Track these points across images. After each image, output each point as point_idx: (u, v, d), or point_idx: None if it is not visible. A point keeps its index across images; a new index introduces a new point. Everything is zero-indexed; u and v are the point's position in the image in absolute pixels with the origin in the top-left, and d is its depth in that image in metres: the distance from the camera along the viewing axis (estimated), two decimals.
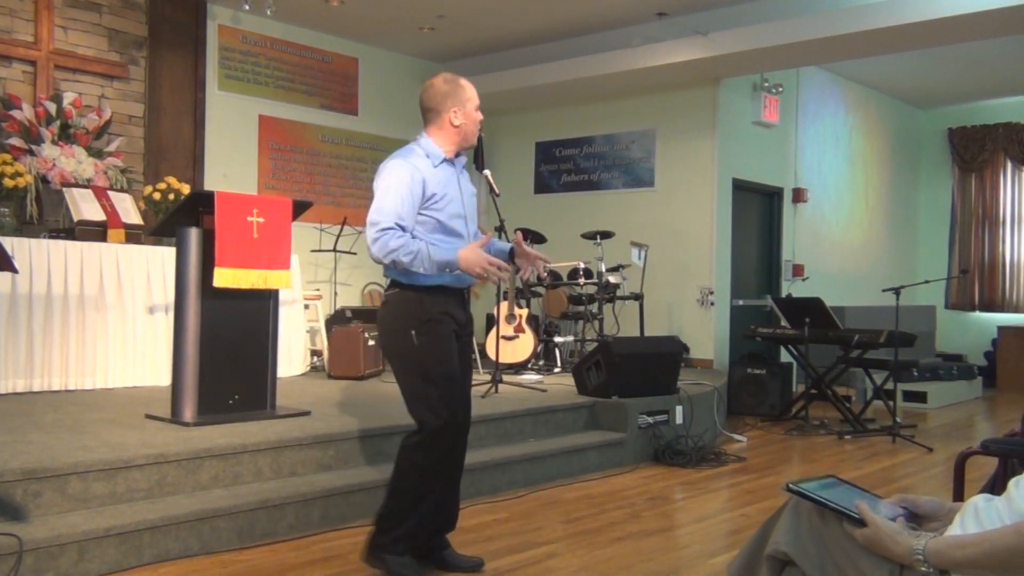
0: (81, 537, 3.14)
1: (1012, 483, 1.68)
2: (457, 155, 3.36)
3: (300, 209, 4.75)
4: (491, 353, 6.38)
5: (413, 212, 3.13)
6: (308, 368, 7.08)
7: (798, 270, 9.36)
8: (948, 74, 9.99)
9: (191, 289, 4.32)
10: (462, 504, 4.23)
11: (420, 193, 3.14)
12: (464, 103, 3.31)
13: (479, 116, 3.37)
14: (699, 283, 8.34)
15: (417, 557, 3.26)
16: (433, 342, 3.16)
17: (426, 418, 3.15)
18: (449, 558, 3.37)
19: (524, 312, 7.15)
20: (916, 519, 1.83)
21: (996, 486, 2.55)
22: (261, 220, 4.45)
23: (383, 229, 3.05)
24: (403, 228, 3.08)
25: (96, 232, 5.88)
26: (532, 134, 9.70)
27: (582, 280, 7.49)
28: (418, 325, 3.14)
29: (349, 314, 7.45)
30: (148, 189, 6.75)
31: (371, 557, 3.24)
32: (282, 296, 5.07)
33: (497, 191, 6.10)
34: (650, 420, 5.61)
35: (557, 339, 7.80)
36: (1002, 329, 10.60)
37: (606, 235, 7.58)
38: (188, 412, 4.32)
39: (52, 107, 6.55)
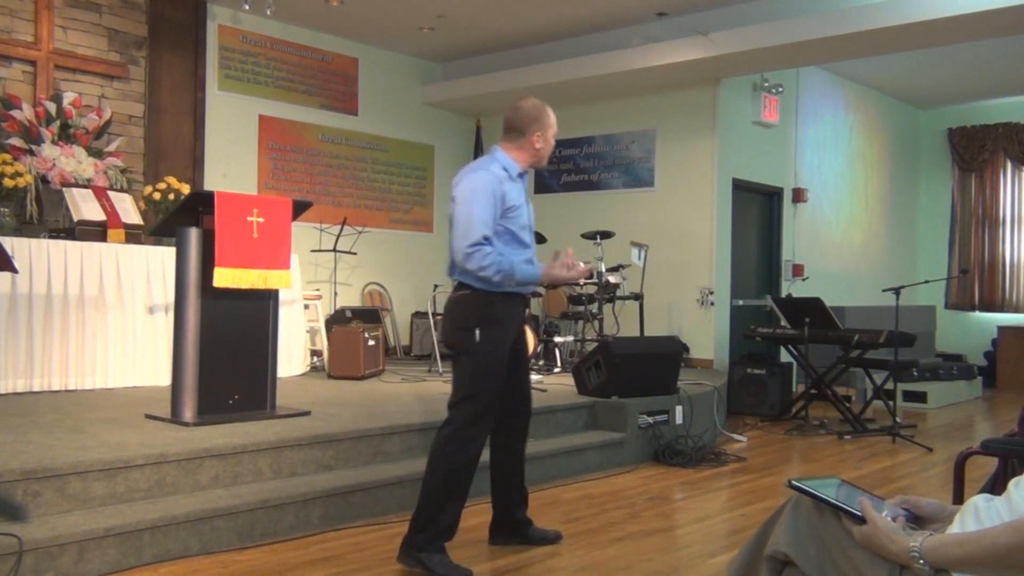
0: (81, 537, 3.14)
1: (1012, 483, 1.68)
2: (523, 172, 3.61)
3: (300, 209, 4.75)
4: None
5: (494, 221, 3.37)
6: (308, 368, 7.08)
7: (798, 270, 9.36)
8: (948, 74, 9.99)
9: (191, 289, 4.33)
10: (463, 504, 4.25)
11: (500, 204, 3.38)
12: (547, 129, 3.57)
13: (554, 142, 3.65)
14: (699, 283, 8.34)
15: (500, 535, 3.63)
16: (492, 341, 3.39)
17: (465, 408, 3.38)
18: (533, 533, 3.71)
19: None
20: (917, 521, 1.83)
21: (996, 486, 2.55)
22: (261, 220, 4.45)
23: (475, 244, 3.29)
24: (489, 240, 3.33)
25: (96, 232, 5.89)
26: None
27: (582, 280, 7.49)
28: (484, 325, 3.37)
29: (349, 314, 7.45)
30: (148, 189, 6.75)
31: (406, 557, 3.34)
32: (282, 296, 5.07)
33: None
34: (650, 420, 5.61)
35: (557, 339, 7.79)
36: (1002, 329, 10.60)
37: (606, 235, 7.58)
38: (188, 412, 4.32)
39: (52, 107, 6.55)
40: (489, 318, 3.38)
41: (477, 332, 3.36)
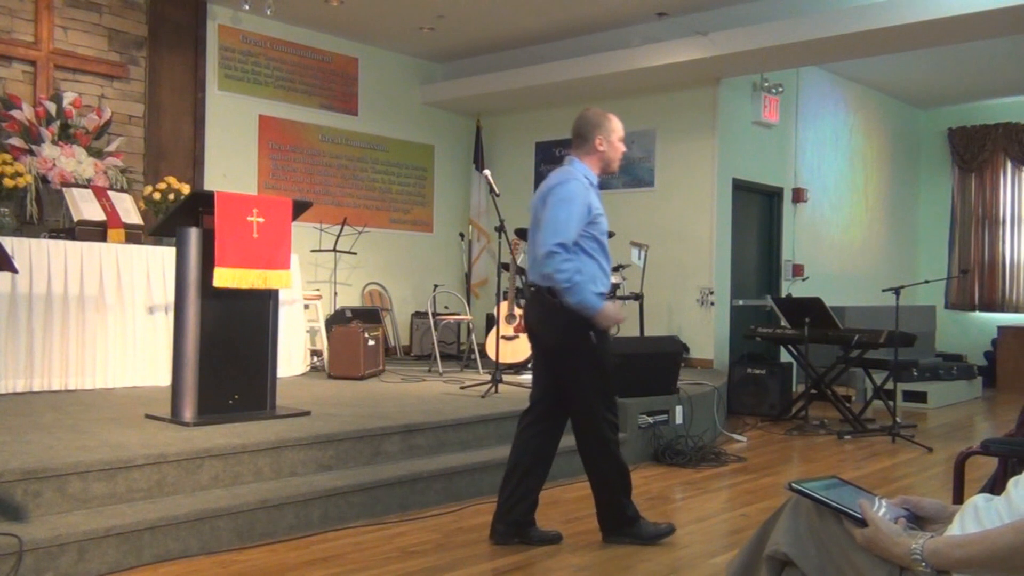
0: (81, 537, 3.14)
1: (1011, 483, 1.68)
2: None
3: (300, 209, 4.75)
4: (491, 353, 6.38)
5: (580, 229, 3.54)
6: (308, 368, 7.08)
7: (798, 270, 9.36)
8: (948, 74, 9.99)
9: (191, 289, 4.33)
10: (463, 503, 4.24)
11: (587, 212, 3.56)
12: (609, 133, 3.73)
13: (622, 147, 3.78)
14: (699, 283, 8.34)
15: (501, 535, 3.72)
16: (606, 341, 3.65)
17: (603, 398, 3.64)
18: (534, 534, 3.78)
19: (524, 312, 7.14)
20: (918, 521, 1.83)
21: (996, 486, 2.55)
22: (261, 220, 4.45)
23: (559, 245, 3.47)
24: (573, 247, 3.50)
25: (96, 232, 5.89)
26: (532, 134, 9.70)
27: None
28: (593, 326, 3.56)
29: (349, 314, 7.45)
30: (148, 189, 6.75)
31: (616, 537, 3.74)
32: (282, 296, 5.07)
33: (497, 191, 6.12)
34: (650, 420, 5.61)
35: None
36: (1002, 329, 10.60)
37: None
38: (188, 412, 4.32)
39: (52, 107, 6.55)
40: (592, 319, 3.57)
41: (592, 334, 3.55)
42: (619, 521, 3.76)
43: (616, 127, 3.74)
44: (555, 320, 3.58)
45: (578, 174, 3.64)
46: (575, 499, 4.55)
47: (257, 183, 8.20)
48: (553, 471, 4.91)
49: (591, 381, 3.63)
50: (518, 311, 7.09)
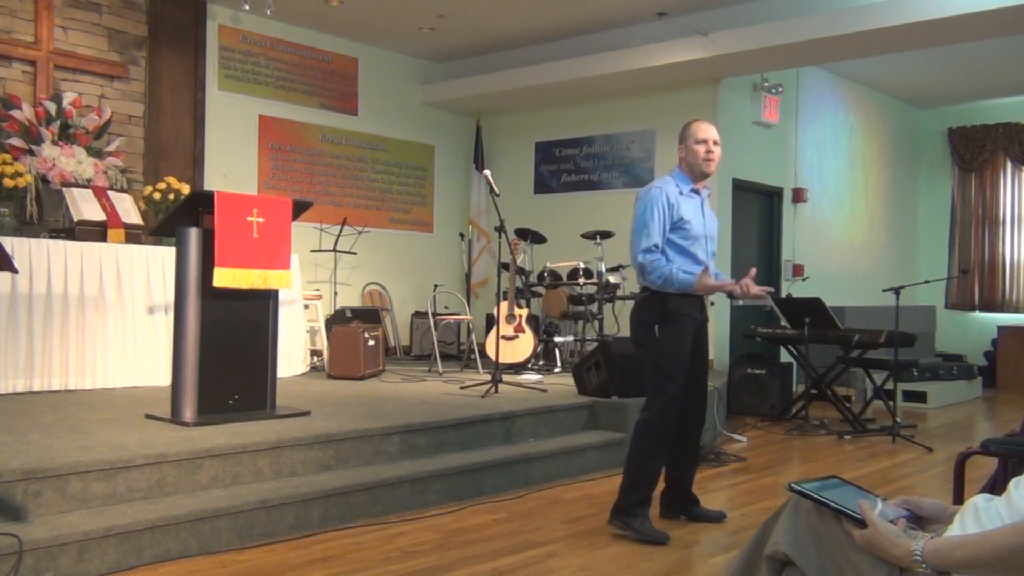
0: (81, 537, 3.14)
1: (1012, 483, 1.67)
2: (703, 187, 4.05)
3: (300, 209, 4.75)
4: (491, 353, 6.38)
5: (664, 231, 3.87)
6: (308, 368, 7.08)
7: (798, 270, 9.36)
8: (948, 74, 9.99)
9: (191, 289, 4.32)
10: (463, 503, 4.22)
11: (669, 214, 3.87)
12: (687, 139, 4.01)
13: (701, 149, 3.96)
14: None
15: (668, 510, 4.12)
16: (671, 335, 3.89)
17: (657, 399, 3.91)
18: (698, 512, 4.13)
19: (524, 312, 7.15)
20: (918, 521, 1.83)
21: (996, 486, 2.55)
22: (261, 220, 4.45)
23: (644, 251, 3.85)
24: (658, 248, 3.85)
25: (96, 232, 5.88)
26: (532, 134, 9.70)
27: (582, 280, 7.49)
28: (661, 321, 3.88)
29: (349, 314, 7.45)
30: (148, 189, 6.75)
31: (615, 520, 3.87)
32: (282, 296, 5.07)
33: (497, 191, 6.12)
34: None
35: (557, 339, 7.79)
36: (1002, 329, 10.60)
37: (606, 235, 7.58)
38: (188, 412, 4.32)
39: (52, 107, 6.55)
40: (664, 315, 3.87)
41: (657, 328, 3.88)
42: (614, 508, 3.94)
43: (694, 131, 3.99)
44: (635, 314, 4.05)
45: (666, 184, 3.96)
46: (575, 499, 4.55)
47: (257, 183, 8.20)
48: (552, 471, 4.95)
49: (654, 374, 4.00)
50: (518, 311, 7.09)
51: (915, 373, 8.50)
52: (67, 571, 3.10)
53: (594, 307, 7.50)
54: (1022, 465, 2.57)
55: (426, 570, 3.37)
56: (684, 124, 4.06)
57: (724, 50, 7.47)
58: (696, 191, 4.01)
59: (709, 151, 3.96)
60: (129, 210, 6.20)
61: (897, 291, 6.59)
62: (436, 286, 9.03)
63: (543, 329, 7.86)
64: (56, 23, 6.97)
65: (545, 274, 7.92)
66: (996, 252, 11.27)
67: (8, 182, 5.91)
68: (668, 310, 3.88)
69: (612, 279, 7.55)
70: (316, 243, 8.30)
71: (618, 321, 7.81)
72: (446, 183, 9.97)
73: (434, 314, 7.72)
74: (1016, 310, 11.06)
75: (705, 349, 4.13)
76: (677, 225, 3.89)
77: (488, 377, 6.01)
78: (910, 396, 8.50)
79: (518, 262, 7.03)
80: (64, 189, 6.11)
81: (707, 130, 4.00)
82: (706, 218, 4.03)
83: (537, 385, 6.26)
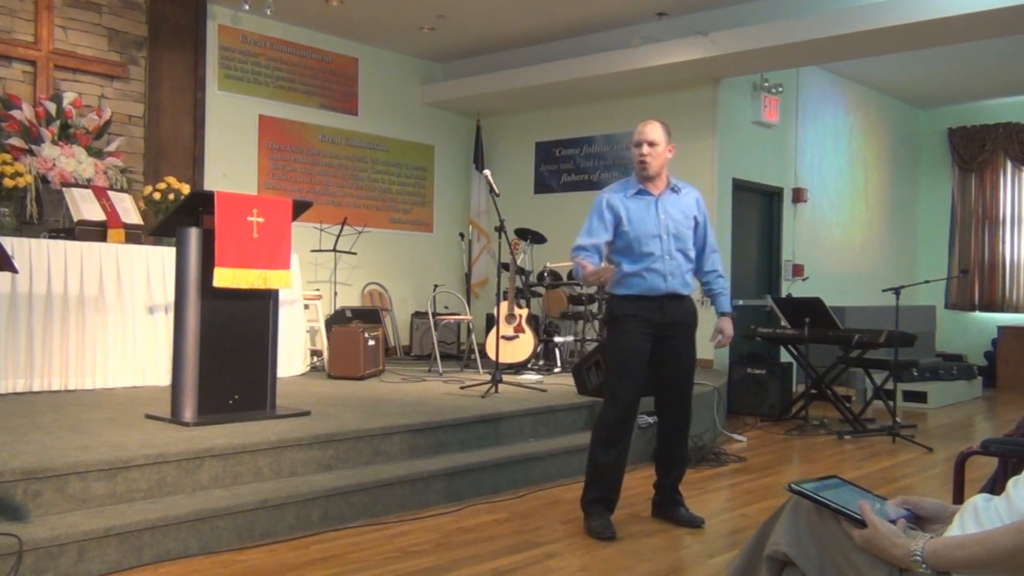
0: (81, 537, 3.14)
1: (1011, 483, 1.67)
2: (670, 187, 4.11)
3: (300, 209, 4.75)
4: (491, 353, 6.38)
5: (602, 232, 3.94)
6: (308, 368, 7.08)
7: (798, 270, 9.36)
8: (948, 74, 9.99)
9: (191, 289, 4.32)
10: (463, 503, 4.23)
11: (610, 217, 3.96)
12: (632, 144, 4.14)
13: (636, 153, 4.07)
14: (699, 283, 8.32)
15: (656, 510, 4.19)
16: (614, 336, 3.97)
17: (607, 390, 4.03)
18: (676, 515, 4.12)
19: (524, 312, 7.15)
20: (918, 521, 1.83)
21: (996, 486, 2.55)
22: (261, 220, 4.45)
23: (573, 248, 3.96)
24: (592, 248, 3.91)
25: (96, 232, 5.88)
26: (532, 134, 9.70)
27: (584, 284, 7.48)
28: (609, 322, 4.01)
29: (349, 314, 7.45)
30: (148, 189, 6.75)
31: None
32: (282, 296, 5.07)
33: (497, 191, 6.12)
34: (650, 420, 5.60)
35: (557, 339, 7.79)
36: (1002, 329, 10.60)
37: None
38: (188, 412, 4.32)
39: (52, 107, 6.55)
40: (610, 316, 4.00)
41: (607, 329, 4.06)
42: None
43: (636, 131, 4.10)
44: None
45: (616, 186, 4.10)
46: (575, 499, 4.54)
47: (257, 183, 8.20)
48: (552, 471, 4.95)
49: (605, 375, 4.22)
50: (518, 311, 7.09)
51: (915, 373, 8.50)
52: (67, 571, 3.10)
53: (594, 307, 7.50)
54: (1022, 465, 2.57)
55: (426, 570, 3.37)
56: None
57: (724, 50, 7.47)
58: (646, 191, 4.02)
59: (643, 154, 3.99)
60: (129, 210, 6.20)
61: (897, 291, 6.60)
62: (436, 286, 9.03)
63: (543, 329, 7.86)
64: (56, 23, 6.97)
65: (545, 274, 7.92)
66: (996, 252, 11.26)
67: (8, 182, 5.90)
68: (613, 312, 3.98)
69: None
70: (316, 243, 8.30)
71: None
72: (446, 183, 9.97)
73: (434, 314, 7.72)
74: (1016, 310, 11.06)
75: (683, 353, 4.04)
76: (618, 227, 3.95)
77: (488, 377, 6.01)
78: (910, 396, 8.51)
79: (518, 262, 7.02)
80: (64, 189, 6.11)
81: (640, 132, 4.04)
82: (666, 216, 3.98)
83: (537, 385, 6.26)
